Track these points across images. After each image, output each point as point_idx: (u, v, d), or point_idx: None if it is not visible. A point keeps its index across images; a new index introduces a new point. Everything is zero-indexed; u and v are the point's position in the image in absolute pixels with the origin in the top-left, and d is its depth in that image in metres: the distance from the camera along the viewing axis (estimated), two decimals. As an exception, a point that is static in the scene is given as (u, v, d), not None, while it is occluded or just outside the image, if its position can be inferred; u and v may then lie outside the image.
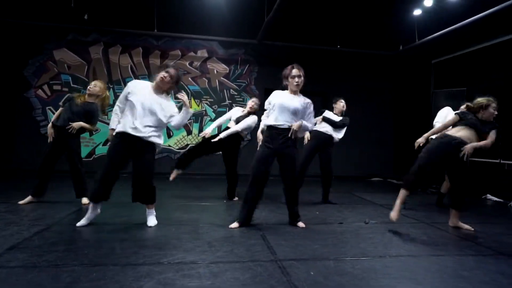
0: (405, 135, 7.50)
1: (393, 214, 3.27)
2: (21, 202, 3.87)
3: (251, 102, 4.57)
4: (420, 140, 3.45)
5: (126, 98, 3.13)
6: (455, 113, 3.50)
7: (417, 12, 6.37)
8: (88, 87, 3.99)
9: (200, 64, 7.36)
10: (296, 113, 3.24)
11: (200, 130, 7.31)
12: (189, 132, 7.35)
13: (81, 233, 2.89)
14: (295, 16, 7.17)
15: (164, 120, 3.21)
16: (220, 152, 4.59)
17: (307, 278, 2.11)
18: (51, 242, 2.60)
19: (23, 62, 6.72)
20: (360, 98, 7.91)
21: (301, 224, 3.32)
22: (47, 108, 6.77)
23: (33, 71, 6.78)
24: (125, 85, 7.09)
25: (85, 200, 3.92)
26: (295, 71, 3.28)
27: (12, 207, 3.70)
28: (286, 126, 3.20)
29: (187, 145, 7.31)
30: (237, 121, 4.48)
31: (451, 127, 3.46)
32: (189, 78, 7.33)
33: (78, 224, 3.06)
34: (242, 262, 2.35)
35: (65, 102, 3.99)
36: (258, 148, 3.38)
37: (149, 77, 7.18)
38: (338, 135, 4.61)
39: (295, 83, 3.27)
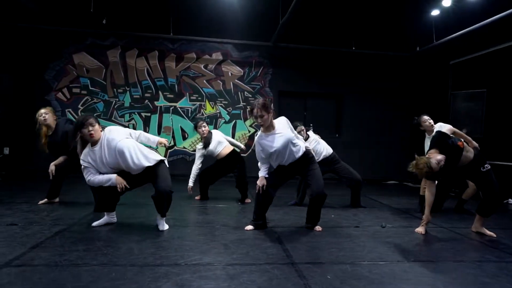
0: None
1: (420, 230, 3.34)
2: (40, 202, 4.00)
3: (203, 129, 4.50)
4: (421, 230, 3.28)
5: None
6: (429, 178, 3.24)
7: (435, 12, 6.27)
8: (43, 120, 4.10)
9: (214, 67, 7.42)
10: (290, 144, 3.10)
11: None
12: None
13: (100, 234, 2.95)
14: (309, 17, 7.16)
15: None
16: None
17: (324, 281, 2.10)
18: (72, 242, 2.67)
19: (44, 66, 6.93)
20: (376, 100, 7.82)
21: (318, 228, 3.31)
22: (66, 110, 6.95)
23: (54, 75, 6.98)
24: (141, 87, 7.24)
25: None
26: (255, 111, 2.99)
27: (34, 207, 3.83)
28: (296, 159, 3.16)
29: (202, 147, 7.36)
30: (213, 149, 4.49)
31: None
32: (204, 81, 7.40)
33: (94, 224, 3.16)
34: (258, 264, 2.35)
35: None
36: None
37: (165, 80, 7.30)
38: (326, 151, 4.52)
39: (260, 123, 3.03)
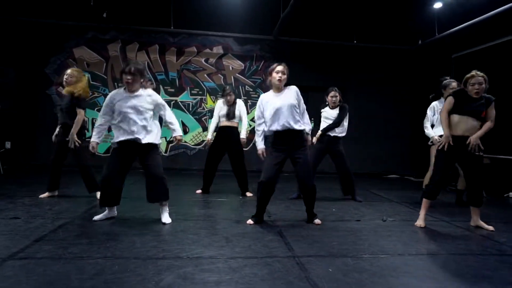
0: (423, 131, 7.33)
1: (419, 223, 3.37)
2: (41, 196, 4.01)
3: (229, 97, 4.59)
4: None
5: (112, 109, 3.08)
6: (449, 95, 3.29)
7: (437, 5, 6.22)
8: (65, 79, 3.93)
9: (215, 61, 7.40)
10: (292, 109, 3.16)
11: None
12: (205, 128, 7.40)
13: (102, 227, 2.96)
14: (311, 11, 7.11)
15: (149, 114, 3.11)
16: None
17: (326, 274, 2.11)
18: (75, 235, 2.69)
19: (45, 60, 6.92)
20: (378, 93, 7.80)
21: (317, 221, 3.32)
22: (67, 105, 6.94)
23: (54, 69, 6.97)
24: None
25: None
26: (279, 67, 3.23)
27: (36, 201, 3.85)
28: (291, 128, 3.15)
29: (203, 141, 7.37)
30: (227, 115, 4.55)
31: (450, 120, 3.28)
32: (205, 75, 7.38)
33: (95, 218, 3.16)
34: (260, 257, 2.36)
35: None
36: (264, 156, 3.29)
37: (166, 74, 7.28)
38: (341, 132, 4.51)
39: (278, 78, 3.19)
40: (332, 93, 4.60)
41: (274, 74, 3.20)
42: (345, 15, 7.25)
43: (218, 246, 2.57)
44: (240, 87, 7.48)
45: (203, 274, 2.05)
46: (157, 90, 7.25)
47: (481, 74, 3.16)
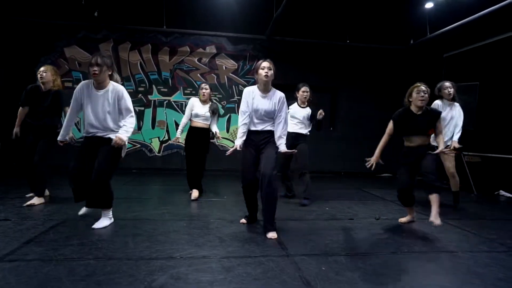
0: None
1: (403, 219, 3.46)
2: (31, 199, 3.83)
3: (204, 90, 4.46)
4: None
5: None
6: (391, 119, 3.46)
7: (428, 5, 6.27)
8: (40, 76, 3.77)
9: (208, 60, 7.37)
10: (270, 113, 3.08)
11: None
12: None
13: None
14: (304, 11, 7.12)
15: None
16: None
17: (319, 273, 2.11)
18: (66, 237, 2.66)
19: (35, 59, 6.81)
20: (370, 93, 7.84)
21: (271, 235, 2.82)
22: (58, 105, 6.86)
23: (45, 69, 6.87)
24: (135, 81, 7.17)
25: (34, 200, 3.71)
26: (264, 63, 3.01)
27: (27, 202, 3.77)
28: (265, 129, 3.09)
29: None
30: (203, 116, 4.44)
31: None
32: (198, 74, 7.35)
33: (80, 212, 3.00)
34: (253, 257, 2.36)
35: (29, 97, 3.82)
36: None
37: (158, 73, 7.23)
38: (306, 130, 4.40)
39: (264, 74, 2.97)
40: (304, 88, 4.38)
41: (260, 71, 2.99)
42: (337, 15, 7.28)
43: (212, 245, 2.56)
44: (233, 86, 7.46)
45: (196, 274, 2.04)
46: (150, 90, 7.21)
47: (424, 85, 3.30)
